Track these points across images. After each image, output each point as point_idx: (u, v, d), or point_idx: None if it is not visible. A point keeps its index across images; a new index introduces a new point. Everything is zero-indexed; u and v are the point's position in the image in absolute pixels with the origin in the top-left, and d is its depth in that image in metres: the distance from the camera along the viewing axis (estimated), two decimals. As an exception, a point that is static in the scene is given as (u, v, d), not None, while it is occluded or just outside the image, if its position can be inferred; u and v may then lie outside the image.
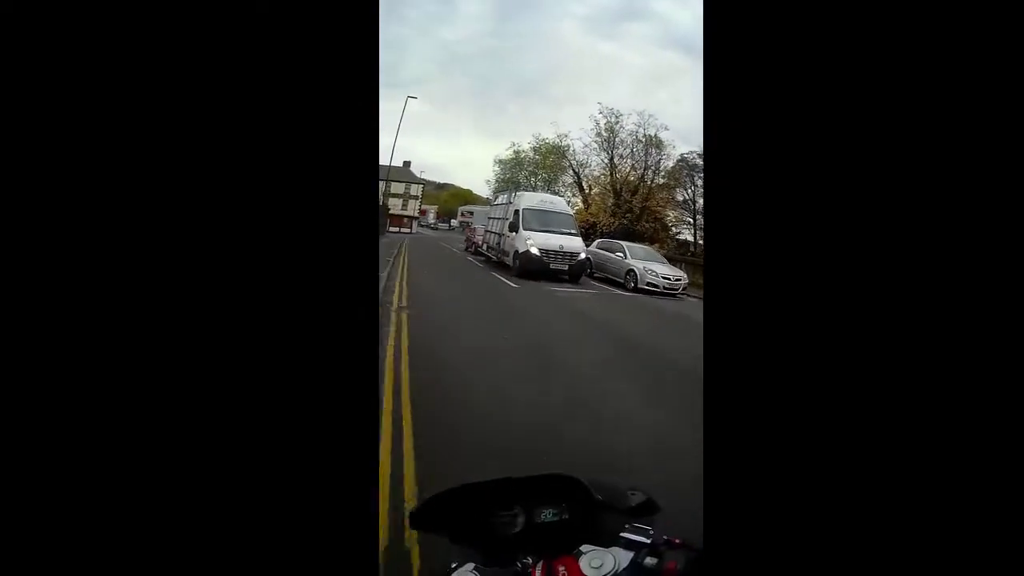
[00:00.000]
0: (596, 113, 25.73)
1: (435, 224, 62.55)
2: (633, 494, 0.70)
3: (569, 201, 18.35)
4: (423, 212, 58.19)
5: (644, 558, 0.59)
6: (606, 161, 25.58)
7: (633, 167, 25.16)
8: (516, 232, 13.31)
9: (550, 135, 28.20)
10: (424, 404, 3.38)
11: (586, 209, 24.28)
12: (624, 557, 0.59)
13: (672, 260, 15.06)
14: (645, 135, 24.58)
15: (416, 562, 1.69)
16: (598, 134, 25.16)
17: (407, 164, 52.38)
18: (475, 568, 0.61)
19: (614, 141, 25.11)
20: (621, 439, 3.20)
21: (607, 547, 0.61)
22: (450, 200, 73.18)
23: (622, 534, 0.63)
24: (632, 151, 25.06)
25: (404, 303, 7.36)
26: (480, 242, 17.91)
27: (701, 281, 12.61)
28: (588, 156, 26.22)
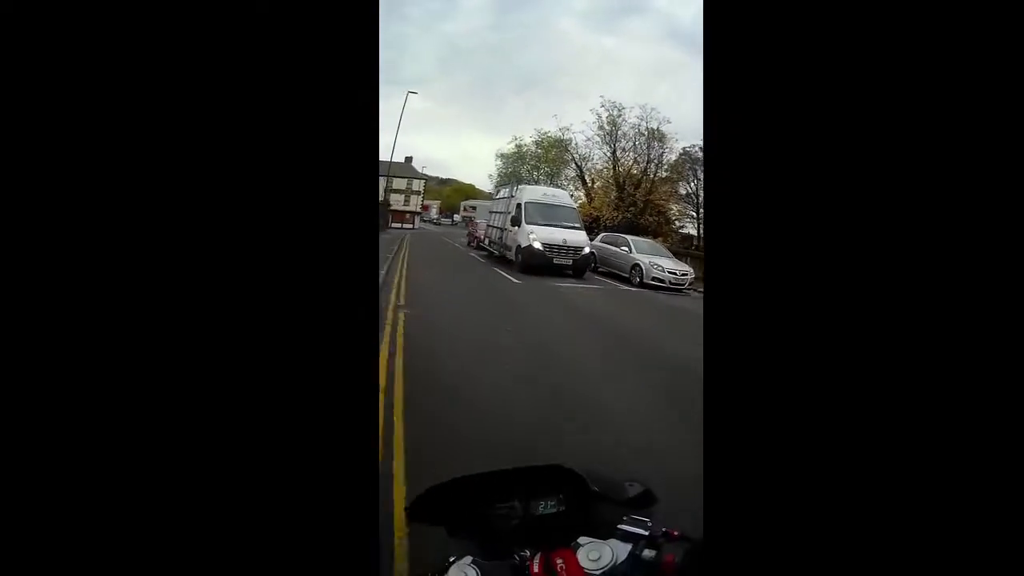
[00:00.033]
0: (598, 106, 25.31)
1: (438, 219, 62.32)
2: (631, 486, 0.68)
3: (572, 195, 17.95)
4: (426, 208, 57.96)
5: (642, 550, 0.58)
6: (608, 154, 25.21)
7: (636, 160, 24.78)
8: (518, 226, 12.88)
9: (552, 129, 27.77)
10: (420, 415, 3.01)
11: (589, 203, 23.89)
12: (622, 549, 0.58)
13: (677, 254, 14.64)
14: (647, 128, 24.21)
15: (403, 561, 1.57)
16: (600, 127, 24.79)
17: (409, 160, 52.03)
18: (473, 561, 0.60)
19: (616, 134, 24.74)
20: (654, 475, 2.79)
21: (605, 539, 0.60)
22: (453, 195, 72.93)
23: (619, 526, 0.61)
24: (635, 144, 24.70)
25: (402, 301, 7.06)
26: (482, 237, 17.58)
27: (708, 276, 12.22)
28: (591, 149, 25.84)
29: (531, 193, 13.98)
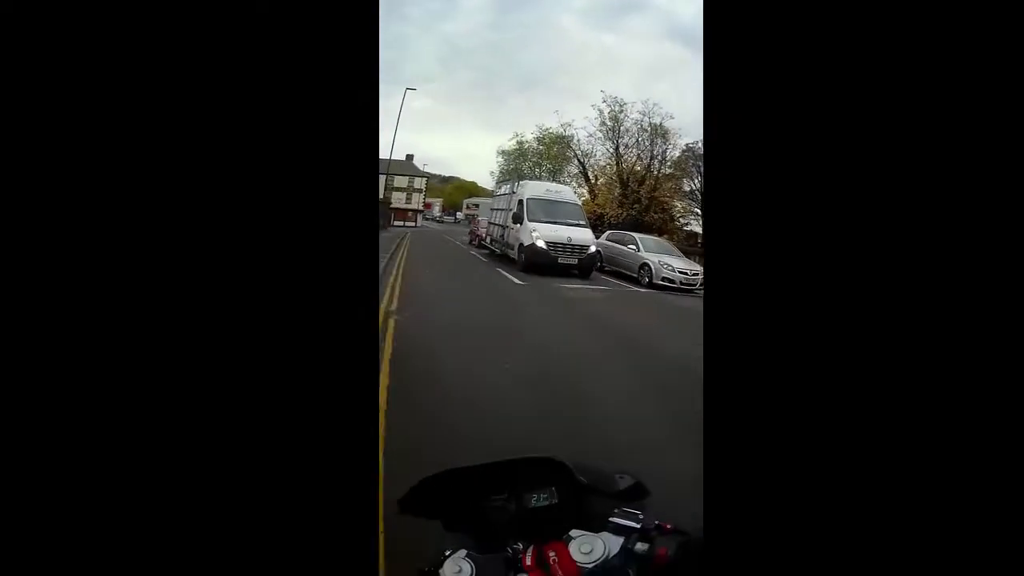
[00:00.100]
0: (600, 102, 24.52)
1: (440, 217, 61.87)
2: (621, 478, 0.67)
3: (575, 191, 17.19)
4: (428, 206, 57.44)
5: (635, 543, 0.57)
6: (611, 151, 24.52)
7: (639, 157, 24.11)
8: (520, 224, 12.06)
9: (554, 125, 27.03)
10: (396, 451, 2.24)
11: (593, 200, 23.17)
12: (614, 542, 0.58)
13: (683, 253, 13.84)
14: (650, 124, 23.55)
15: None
16: (603, 123, 24.09)
17: (410, 157, 51.31)
18: (467, 555, 0.59)
19: (619, 130, 24.06)
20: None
21: (597, 532, 0.59)
22: (455, 193, 72.31)
23: (611, 519, 0.60)
24: (637, 140, 24.07)
25: (395, 305, 6.35)
26: (484, 235, 16.93)
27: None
28: (593, 145, 25.19)
29: (533, 189, 13.14)
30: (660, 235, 17.22)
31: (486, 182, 38.17)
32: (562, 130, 25.48)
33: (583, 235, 11.91)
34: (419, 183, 49.91)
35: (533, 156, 27.31)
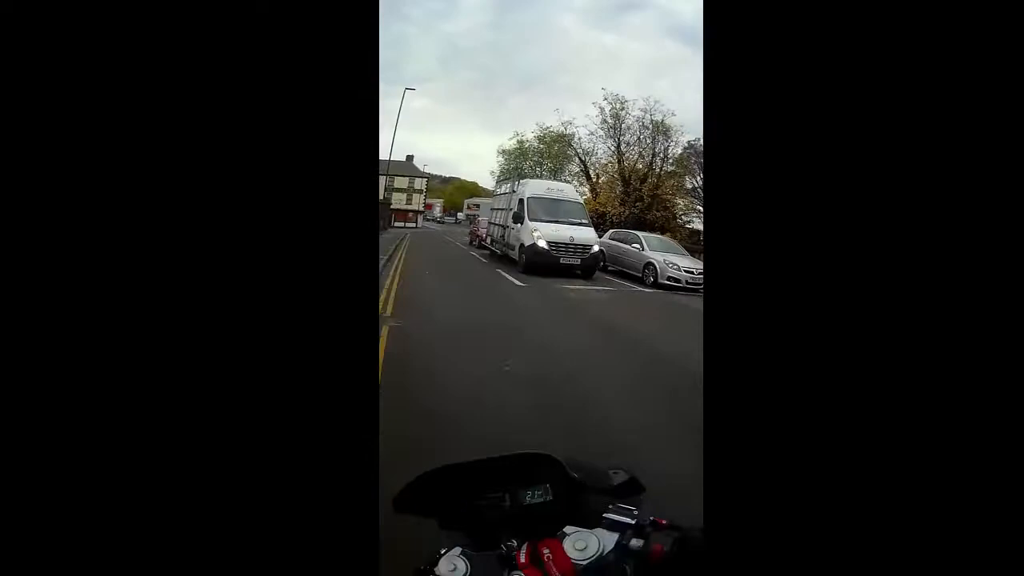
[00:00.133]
0: (601, 99, 23.95)
1: (441, 218, 61.52)
2: (615, 473, 0.66)
3: (576, 189, 16.77)
4: (429, 206, 57.08)
5: (630, 540, 0.56)
6: (613, 148, 24.02)
7: (641, 154, 23.62)
8: (521, 224, 11.63)
9: (554, 123, 26.54)
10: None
11: (594, 198, 22.69)
12: (609, 539, 0.57)
13: (687, 251, 13.39)
14: (652, 121, 23.07)
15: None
16: (604, 121, 23.58)
17: (410, 158, 50.92)
18: (462, 553, 0.59)
19: (620, 128, 23.56)
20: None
21: (591, 528, 0.58)
22: (455, 193, 71.94)
23: (605, 515, 0.59)
24: (639, 138, 23.57)
25: (389, 310, 5.99)
26: (484, 235, 16.52)
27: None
28: (594, 144, 24.66)
29: (534, 188, 12.70)
30: (663, 233, 16.81)
31: (487, 182, 37.78)
32: (563, 128, 25.06)
33: (586, 234, 11.48)
34: (419, 184, 49.52)
35: (534, 155, 26.84)
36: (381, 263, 9.41)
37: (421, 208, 49.05)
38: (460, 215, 60.36)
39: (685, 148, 23.90)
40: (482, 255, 15.15)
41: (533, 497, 0.65)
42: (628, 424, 3.16)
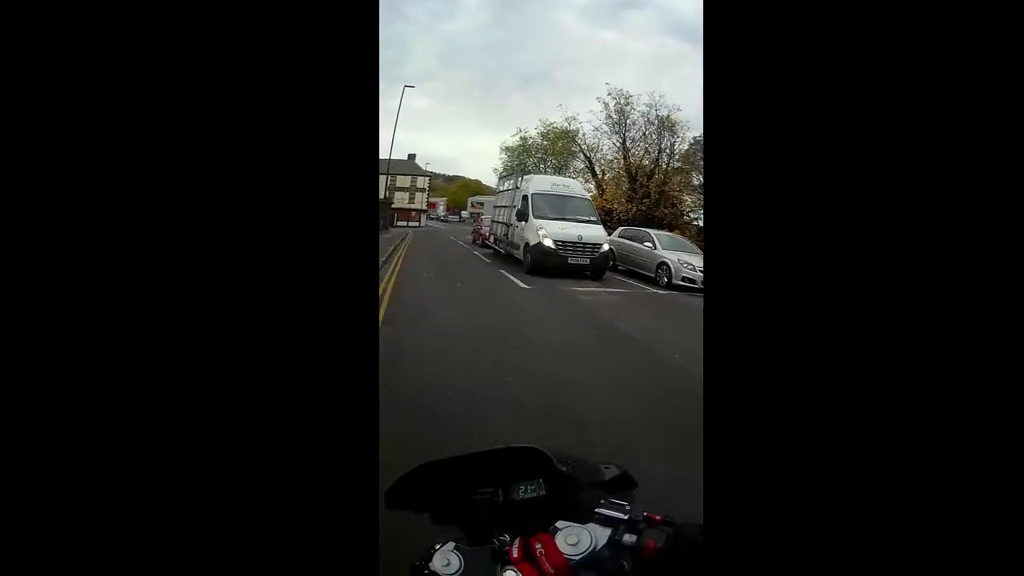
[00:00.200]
0: (605, 95, 23.05)
1: (445, 216, 60.89)
2: (607, 468, 0.65)
3: (582, 186, 15.95)
4: (432, 205, 56.47)
5: (622, 535, 0.55)
6: (618, 144, 23.09)
7: (647, 150, 22.68)
8: (525, 221, 10.81)
9: (558, 119, 25.59)
10: None
11: (600, 195, 21.82)
12: (601, 534, 0.56)
13: (700, 249, 12.53)
14: (657, 116, 22.10)
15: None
16: (608, 116, 22.64)
17: (412, 157, 50.13)
18: (456, 548, 0.58)
19: (625, 123, 22.60)
20: None
21: (583, 523, 0.57)
22: (459, 192, 71.23)
23: (597, 510, 0.58)
24: (644, 133, 22.61)
25: (383, 315, 5.36)
26: (487, 234, 15.72)
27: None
28: (599, 139, 23.73)
29: (539, 183, 11.86)
30: (671, 230, 15.96)
31: (491, 180, 36.90)
32: (567, 124, 24.13)
33: (595, 232, 10.64)
34: (422, 182, 48.70)
35: (538, 152, 25.98)
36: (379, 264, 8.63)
37: (424, 207, 48.30)
38: (464, 213, 59.77)
39: (691, 144, 23.02)
40: (485, 255, 14.34)
41: (526, 492, 0.63)
42: (677, 486, 2.32)
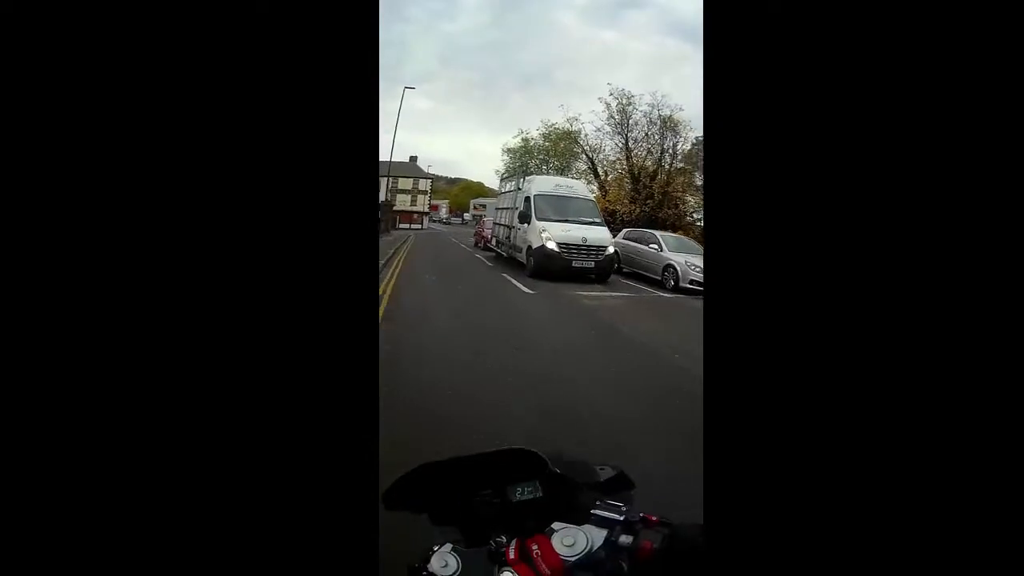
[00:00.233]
0: (607, 95, 22.71)
1: (448, 219, 60.67)
2: (602, 469, 0.65)
3: (586, 186, 15.62)
4: (434, 207, 56.24)
5: (618, 536, 0.55)
6: (621, 145, 22.74)
7: (650, 151, 22.34)
8: (528, 223, 10.47)
9: (559, 120, 25.27)
10: None
11: (603, 196, 21.46)
12: (597, 535, 0.56)
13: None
14: (660, 116, 21.76)
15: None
16: (610, 116, 22.30)
17: (413, 159, 49.88)
18: (453, 549, 0.57)
19: (628, 123, 22.25)
20: None
21: (579, 525, 0.57)
22: (461, 194, 71.04)
23: (593, 511, 0.58)
24: (647, 134, 22.25)
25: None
26: (489, 236, 15.40)
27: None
28: (601, 140, 23.38)
29: (541, 184, 11.54)
30: (674, 231, 15.62)
31: (493, 182, 36.55)
32: (568, 125, 23.78)
33: (600, 234, 10.31)
34: (424, 185, 48.42)
35: (539, 153, 25.67)
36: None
37: (426, 209, 48.05)
38: (467, 216, 59.57)
39: (694, 144, 22.70)
40: (487, 258, 14.00)
41: (523, 494, 0.63)
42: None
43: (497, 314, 6.33)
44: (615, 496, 0.60)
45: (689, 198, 22.70)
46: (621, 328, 5.89)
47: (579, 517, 0.57)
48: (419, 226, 39.38)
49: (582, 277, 9.68)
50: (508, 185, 13.68)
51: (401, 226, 32.44)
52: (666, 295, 9.27)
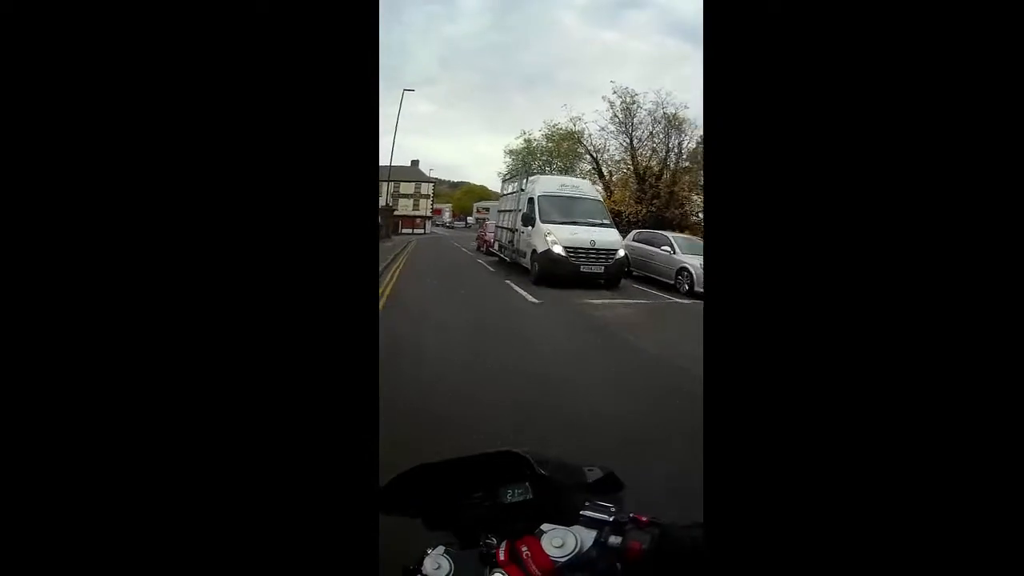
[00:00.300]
0: (610, 93, 22.03)
1: (451, 223, 60.00)
2: (590, 470, 0.64)
3: (592, 186, 14.93)
4: (437, 211, 55.61)
5: (607, 537, 0.55)
6: (625, 144, 22.04)
7: (654, 150, 21.63)
8: (532, 226, 9.76)
9: (562, 120, 24.57)
10: None
11: (609, 197, 20.73)
12: (587, 536, 0.56)
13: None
14: (664, 114, 21.04)
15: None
16: (614, 115, 21.60)
17: (415, 163, 49.28)
18: (445, 552, 0.58)
19: (632, 122, 21.53)
20: None
21: (569, 526, 0.57)
22: (464, 198, 70.34)
23: (582, 512, 0.58)
24: (651, 132, 21.58)
25: None
26: (491, 240, 14.71)
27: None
28: (605, 140, 22.66)
29: (545, 184, 10.81)
30: (681, 231, 14.88)
31: (496, 186, 35.83)
32: (572, 125, 23.05)
33: (608, 237, 9.58)
34: (426, 189, 47.77)
35: (543, 154, 24.93)
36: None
37: (428, 214, 47.40)
38: (470, 219, 58.90)
39: (699, 142, 21.96)
40: (490, 262, 13.31)
41: (513, 496, 0.63)
42: None
43: (494, 334, 5.59)
44: (605, 497, 0.59)
45: (695, 197, 21.96)
46: (648, 349, 5.16)
47: (568, 518, 0.57)
48: (422, 231, 38.96)
49: (590, 283, 8.96)
50: (510, 186, 12.98)
51: (404, 231, 31.88)
52: (683, 301, 8.52)
